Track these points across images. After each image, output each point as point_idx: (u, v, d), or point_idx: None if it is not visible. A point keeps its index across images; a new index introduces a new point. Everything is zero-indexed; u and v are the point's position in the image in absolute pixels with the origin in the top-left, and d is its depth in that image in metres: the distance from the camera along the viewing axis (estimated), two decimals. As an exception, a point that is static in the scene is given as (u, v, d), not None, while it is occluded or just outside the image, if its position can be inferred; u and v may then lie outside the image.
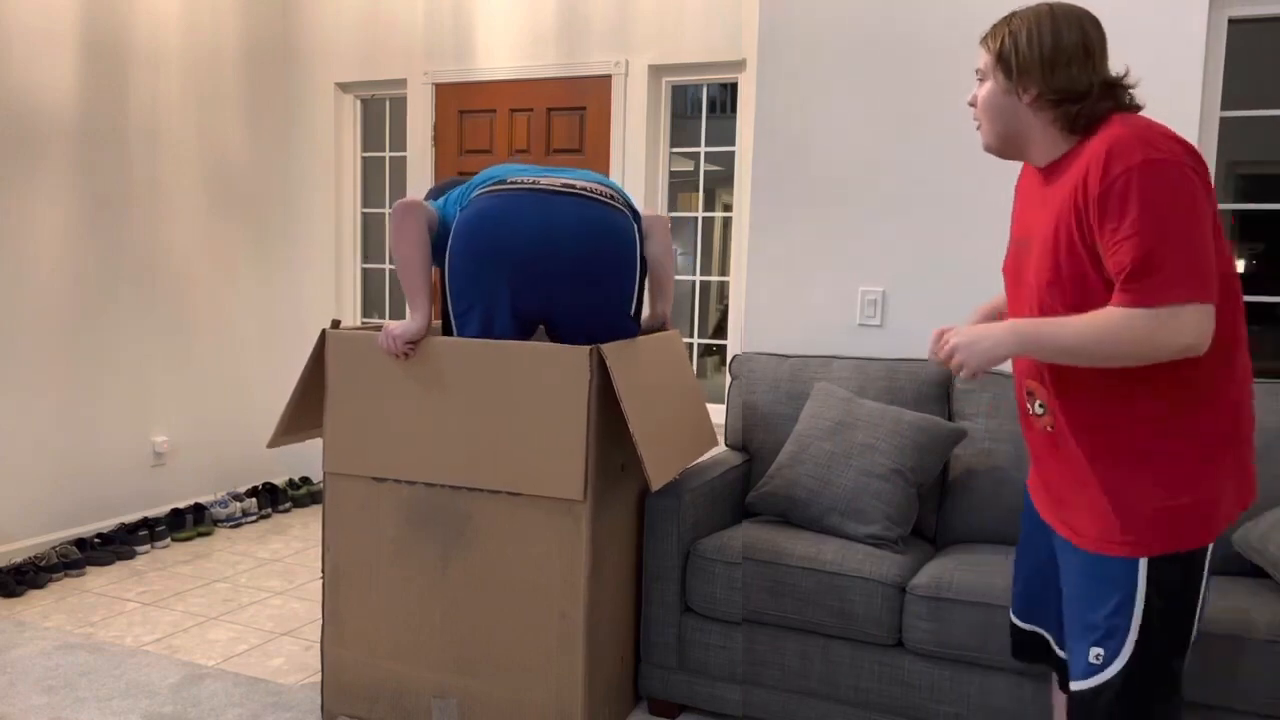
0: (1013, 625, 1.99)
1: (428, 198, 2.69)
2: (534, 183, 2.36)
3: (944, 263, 3.18)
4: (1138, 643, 1.60)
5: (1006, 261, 1.82)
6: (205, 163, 4.53)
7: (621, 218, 2.40)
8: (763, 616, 2.52)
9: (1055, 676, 1.98)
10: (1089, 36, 1.62)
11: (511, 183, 2.37)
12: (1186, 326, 1.45)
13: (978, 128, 1.75)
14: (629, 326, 2.47)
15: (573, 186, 2.36)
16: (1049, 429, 1.71)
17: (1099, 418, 1.62)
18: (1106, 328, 1.49)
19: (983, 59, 1.71)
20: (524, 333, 2.41)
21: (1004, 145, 1.72)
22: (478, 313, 2.36)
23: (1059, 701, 1.99)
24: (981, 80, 1.72)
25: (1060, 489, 1.72)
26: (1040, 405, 1.72)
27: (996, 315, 2.00)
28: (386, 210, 5.00)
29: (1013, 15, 1.69)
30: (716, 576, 2.56)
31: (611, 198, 2.41)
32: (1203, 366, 1.56)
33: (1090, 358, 1.52)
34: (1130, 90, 1.62)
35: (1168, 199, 1.45)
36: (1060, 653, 1.91)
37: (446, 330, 2.51)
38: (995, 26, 1.70)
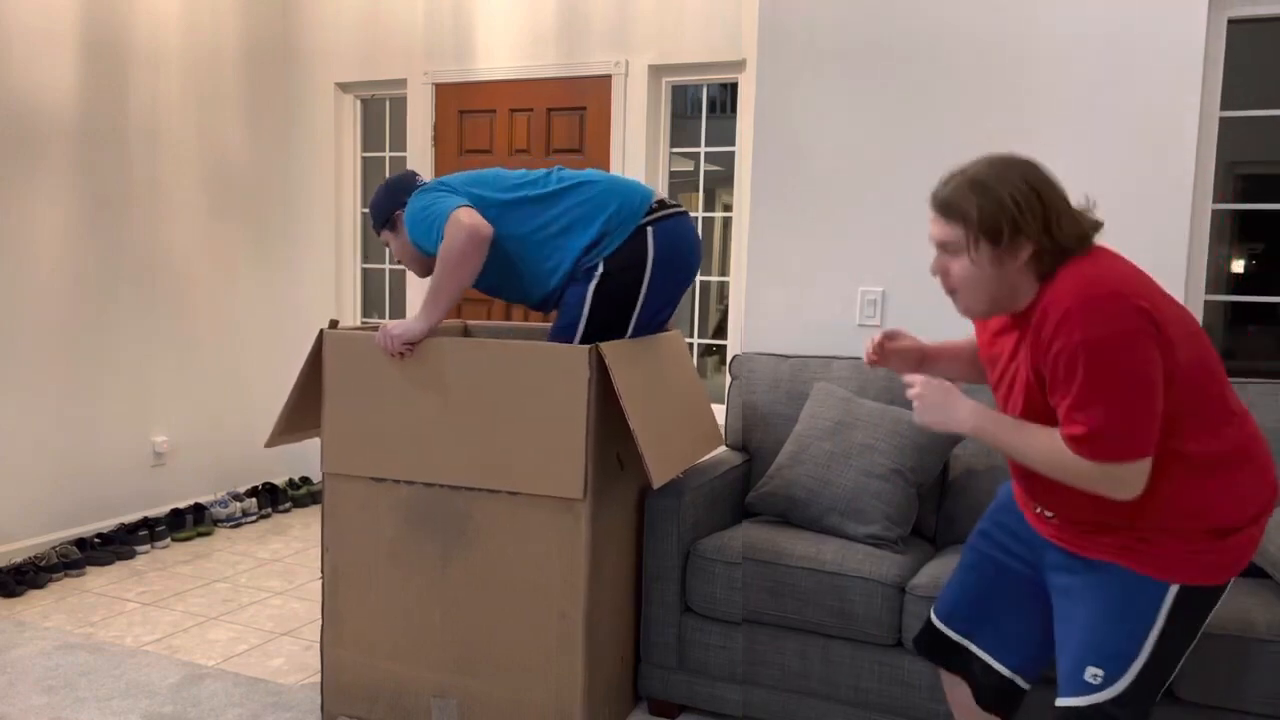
0: (932, 625, 1.99)
1: (394, 196, 2.65)
2: (676, 205, 2.60)
3: (944, 263, 3.18)
4: (1144, 668, 1.62)
5: (985, 364, 1.84)
6: (205, 163, 4.53)
7: None
8: (763, 616, 2.52)
9: (959, 687, 1.98)
10: (1043, 180, 1.60)
11: (671, 206, 2.57)
12: (1126, 481, 1.56)
13: (952, 295, 1.69)
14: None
15: (681, 207, 2.62)
16: (1057, 521, 1.75)
17: (1121, 518, 1.65)
18: (1059, 461, 1.58)
19: (949, 231, 1.63)
20: None
21: (994, 310, 1.68)
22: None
23: (964, 708, 2.00)
24: (953, 254, 1.64)
25: (1074, 531, 1.73)
26: (1050, 513, 1.76)
27: (944, 359, 2.01)
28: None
29: (962, 179, 1.61)
30: (716, 576, 2.56)
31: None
32: (1218, 457, 1.60)
33: (1033, 466, 1.63)
34: (1090, 216, 1.62)
35: (1110, 371, 1.51)
36: (1000, 668, 1.90)
37: (590, 335, 2.51)
38: (953, 194, 1.62)
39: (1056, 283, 1.57)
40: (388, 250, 2.76)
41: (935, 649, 1.99)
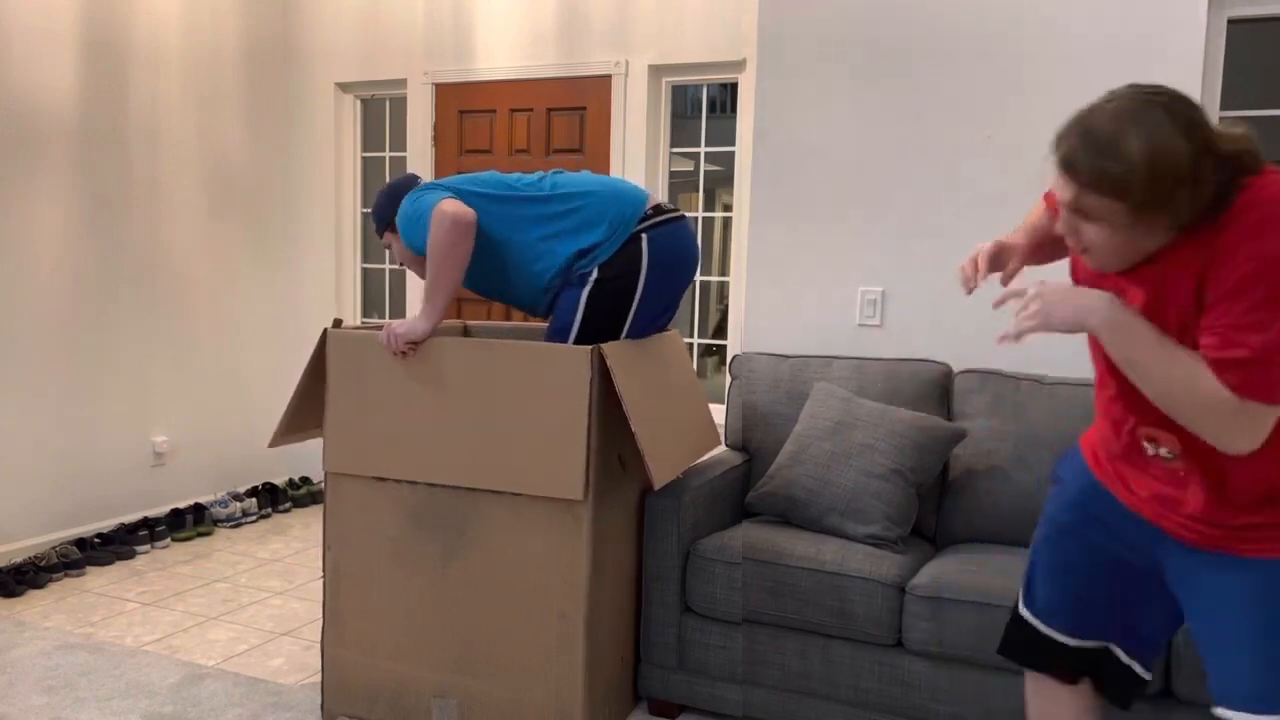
0: (1054, 642, 1.79)
1: (395, 199, 2.67)
2: (677, 212, 2.60)
3: (944, 263, 3.18)
4: None
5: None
6: (205, 163, 4.53)
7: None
8: (763, 616, 2.52)
9: (1055, 693, 1.82)
10: (1198, 118, 1.35)
11: (668, 211, 2.58)
12: (1259, 429, 1.37)
13: (1081, 252, 1.47)
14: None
15: (674, 210, 2.61)
16: (1181, 472, 1.55)
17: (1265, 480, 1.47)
18: (1192, 388, 1.38)
19: (1077, 195, 1.39)
20: None
21: (1132, 262, 1.47)
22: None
23: (1071, 705, 1.83)
24: (1095, 221, 1.40)
25: (1213, 515, 1.53)
26: (1168, 452, 1.56)
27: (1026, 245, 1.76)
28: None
29: (1085, 135, 1.36)
30: (716, 576, 2.56)
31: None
32: None
33: (1153, 390, 1.43)
34: (1240, 134, 1.39)
35: None
36: (1137, 668, 1.76)
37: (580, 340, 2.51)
38: (1077, 155, 1.36)
39: (1251, 191, 1.35)
40: (388, 251, 2.77)
41: (1040, 655, 1.81)
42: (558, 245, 2.49)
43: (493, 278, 2.57)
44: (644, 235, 2.49)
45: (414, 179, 2.72)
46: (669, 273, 2.55)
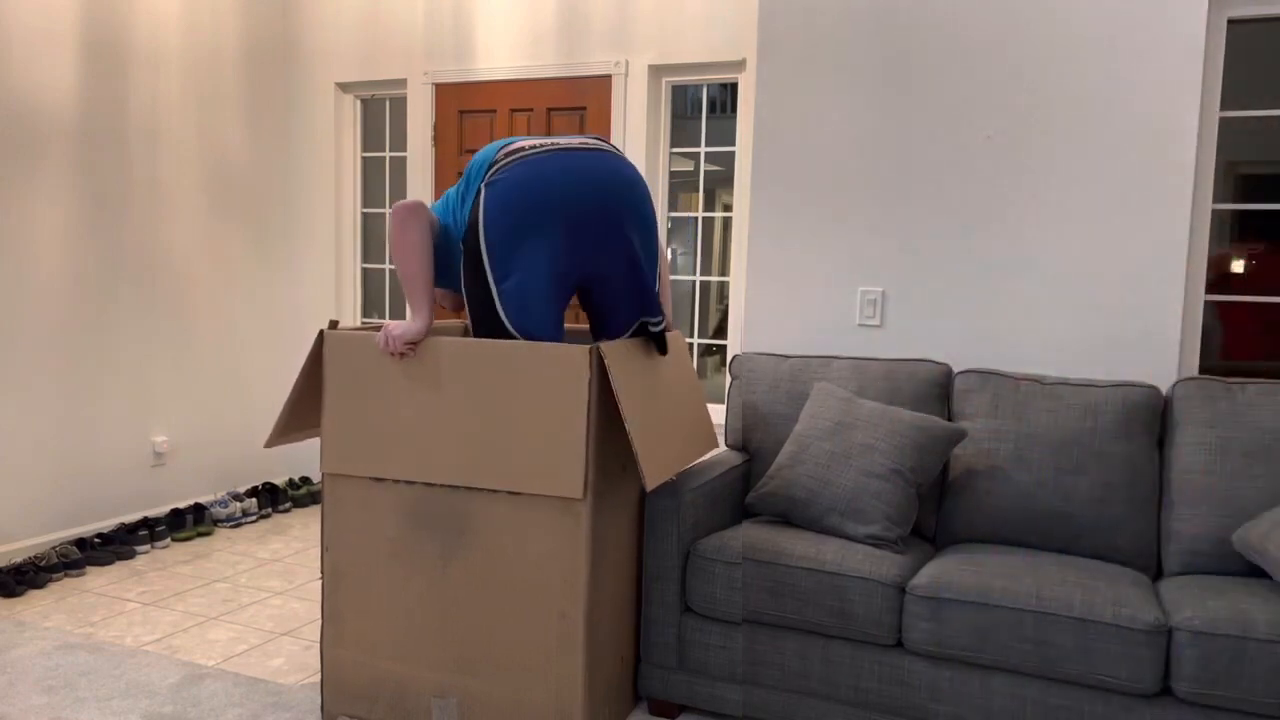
0: None
1: None
2: (554, 144, 2.39)
3: (944, 263, 3.18)
4: None
5: None
6: (205, 163, 4.53)
7: (636, 171, 2.49)
8: (763, 616, 2.52)
9: None
10: None
11: (533, 148, 2.38)
12: None
13: None
14: (654, 293, 2.51)
15: (588, 143, 2.42)
16: None
17: None
18: None
19: None
20: (565, 299, 2.41)
21: None
22: (519, 278, 2.33)
23: None
24: None
25: None
26: None
27: None
28: (387, 210, 5.00)
29: None
30: (716, 576, 2.56)
31: (620, 153, 2.50)
32: None
33: None
34: None
35: None
36: None
37: (483, 318, 2.40)
38: None
39: None
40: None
41: None
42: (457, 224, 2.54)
43: (451, 275, 2.64)
44: (483, 189, 2.38)
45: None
46: (530, 209, 2.31)
